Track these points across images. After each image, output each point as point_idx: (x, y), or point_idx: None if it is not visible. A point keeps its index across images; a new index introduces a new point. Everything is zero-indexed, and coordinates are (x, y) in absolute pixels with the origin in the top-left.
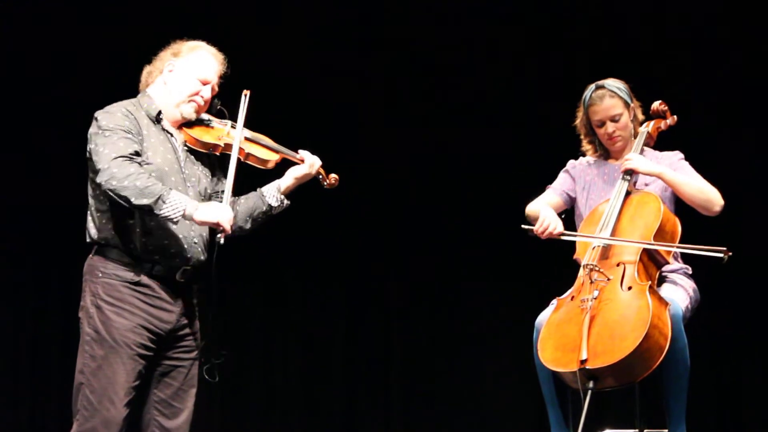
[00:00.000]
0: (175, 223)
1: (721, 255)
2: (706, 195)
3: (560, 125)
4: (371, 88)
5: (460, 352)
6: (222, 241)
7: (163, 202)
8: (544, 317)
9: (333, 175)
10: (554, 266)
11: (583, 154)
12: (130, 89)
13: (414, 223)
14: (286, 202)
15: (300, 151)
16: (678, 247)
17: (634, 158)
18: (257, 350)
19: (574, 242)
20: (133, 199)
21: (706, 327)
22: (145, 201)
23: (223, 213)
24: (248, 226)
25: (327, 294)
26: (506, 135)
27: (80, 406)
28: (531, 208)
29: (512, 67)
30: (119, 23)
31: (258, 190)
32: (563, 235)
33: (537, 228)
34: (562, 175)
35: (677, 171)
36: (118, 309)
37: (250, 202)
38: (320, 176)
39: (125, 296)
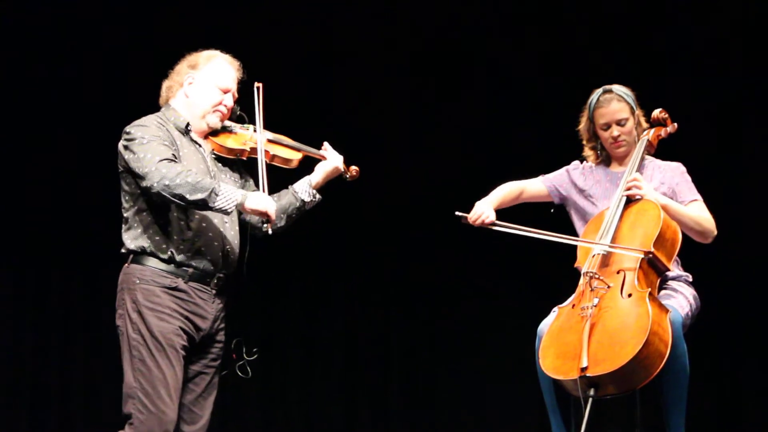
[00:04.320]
0: (228, 213)
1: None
2: (702, 227)
3: (567, 131)
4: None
5: (461, 360)
6: (270, 231)
7: (216, 194)
8: (545, 325)
9: (354, 167)
10: (556, 274)
11: (585, 160)
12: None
13: (415, 225)
14: (318, 196)
15: (324, 145)
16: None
17: (643, 186)
18: (257, 360)
19: (575, 248)
20: (188, 195)
21: (706, 334)
22: (199, 195)
23: (270, 202)
24: (283, 222)
25: (327, 298)
26: (508, 137)
27: (134, 410)
28: (496, 190)
29: (514, 71)
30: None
31: (289, 187)
32: (495, 225)
33: (470, 216)
34: (560, 171)
35: (678, 185)
36: (159, 313)
37: (283, 199)
38: (344, 170)
39: (165, 301)
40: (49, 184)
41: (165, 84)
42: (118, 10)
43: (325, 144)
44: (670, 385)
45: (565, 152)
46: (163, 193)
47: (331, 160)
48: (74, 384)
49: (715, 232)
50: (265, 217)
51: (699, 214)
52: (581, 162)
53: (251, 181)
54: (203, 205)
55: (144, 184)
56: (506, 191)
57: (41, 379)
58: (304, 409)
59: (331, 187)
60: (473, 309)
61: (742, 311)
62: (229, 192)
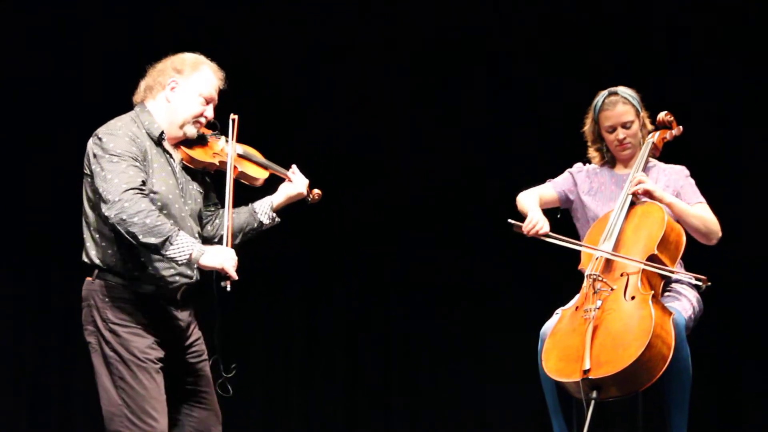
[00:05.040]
0: (179, 265)
1: (699, 284)
2: (708, 228)
3: (567, 131)
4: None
5: (462, 361)
6: (228, 288)
7: (171, 243)
8: (548, 327)
9: (316, 191)
10: (559, 276)
11: (589, 161)
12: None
13: (415, 225)
14: (277, 219)
15: (292, 168)
16: (661, 269)
17: (649, 184)
18: (258, 361)
19: (579, 252)
20: (140, 237)
21: (706, 335)
22: (152, 240)
23: (228, 258)
24: (238, 241)
25: (327, 298)
26: (508, 137)
27: (122, 428)
28: (523, 199)
29: (515, 76)
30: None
31: (250, 205)
32: (548, 236)
33: (525, 226)
34: (565, 175)
35: (683, 188)
36: (132, 329)
37: (241, 218)
38: (307, 194)
39: (136, 317)
40: (49, 184)
41: (144, 82)
42: (118, 10)
43: (293, 167)
44: (672, 388)
45: (566, 152)
46: (117, 227)
47: (296, 185)
48: (74, 384)
49: (720, 234)
50: (223, 273)
51: (704, 214)
52: (584, 164)
53: (213, 195)
54: (154, 250)
55: (103, 209)
56: (537, 200)
57: (41, 379)
58: (304, 409)
59: (331, 187)
60: (474, 310)
61: (742, 312)
62: (185, 244)
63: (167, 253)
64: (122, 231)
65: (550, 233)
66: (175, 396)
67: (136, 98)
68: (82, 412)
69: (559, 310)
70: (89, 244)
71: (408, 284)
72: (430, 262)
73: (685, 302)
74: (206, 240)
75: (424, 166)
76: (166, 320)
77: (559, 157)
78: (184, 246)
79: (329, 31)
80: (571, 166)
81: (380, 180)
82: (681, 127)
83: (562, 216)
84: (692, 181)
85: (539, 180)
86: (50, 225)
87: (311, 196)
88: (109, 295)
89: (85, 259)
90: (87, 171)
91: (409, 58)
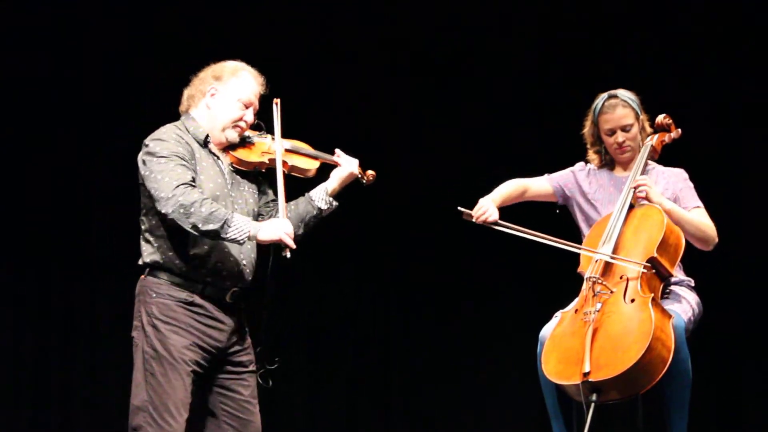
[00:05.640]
0: (241, 244)
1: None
2: (705, 234)
3: (567, 131)
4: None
5: (461, 363)
6: (288, 255)
7: (229, 225)
8: (548, 330)
9: (370, 172)
10: (558, 279)
11: (588, 162)
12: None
13: (415, 225)
14: (334, 203)
15: (336, 152)
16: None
17: (650, 189)
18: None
19: (578, 255)
20: (200, 226)
21: (706, 336)
22: (211, 226)
23: (284, 228)
24: (301, 231)
25: (327, 299)
26: (508, 137)
27: (143, 423)
28: (499, 187)
29: (516, 83)
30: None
31: (306, 195)
32: (497, 224)
33: (474, 212)
34: (566, 172)
35: (681, 191)
36: (173, 327)
37: (300, 207)
38: (360, 175)
39: (180, 315)
40: (49, 184)
41: (187, 92)
42: (118, 10)
43: (337, 150)
44: (672, 390)
45: (565, 152)
46: (177, 222)
47: (345, 166)
48: (74, 384)
49: (716, 240)
50: (281, 243)
51: (702, 220)
52: (586, 164)
53: (270, 192)
54: (215, 235)
55: (159, 207)
56: (510, 188)
57: (42, 379)
58: (304, 409)
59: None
60: (474, 310)
61: (742, 313)
62: (243, 223)
63: (228, 235)
64: (182, 224)
65: (500, 221)
66: (210, 401)
67: (181, 108)
68: (82, 412)
69: (558, 313)
70: (144, 247)
71: (408, 284)
72: (430, 262)
73: (684, 305)
74: None
75: (424, 166)
76: (211, 324)
77: (560, 157)
78: (242, 225)
79: (329, 31)
80: (572, 165)
81: (380, 180)
82: (680, 130)
83: (561, 213)
84: (691, 185)
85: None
86: (50, 225)
87: (365, 177)
88: (157, 292)
89: (140, 262)
90: (140, 180)
91: (409, 58)
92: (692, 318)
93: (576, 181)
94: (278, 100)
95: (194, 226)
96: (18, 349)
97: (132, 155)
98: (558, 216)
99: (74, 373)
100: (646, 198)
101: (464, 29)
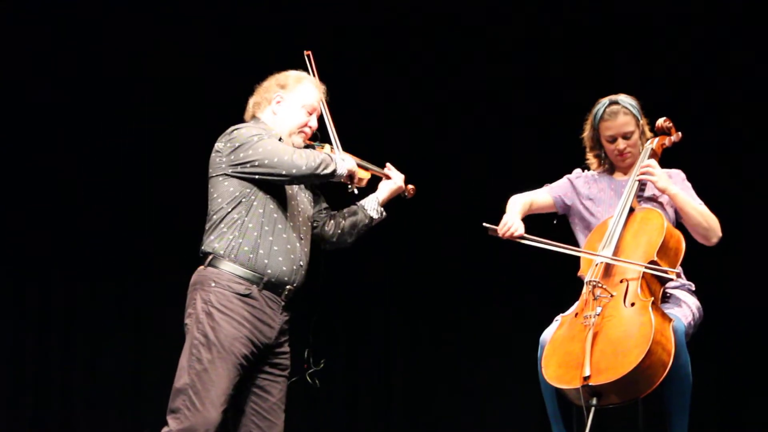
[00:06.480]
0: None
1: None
2: (709, 225)
3: (567, 132)
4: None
5: (463, 369)
6: (356, 191)
7: (333, 161)
8: (548, 334)
9: (411, 186)
10: (559, 283)
11: (587, 167)
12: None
13: (416, 226)
14: (384, 214)
15: (387, 165)
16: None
17: (656, 172)
18: None
19: (578, 259)
20: (327, 170)
21: (706, 337)
22: (330, 168)
23: (350, 163)
24: (352, 239)
25: (327, 303)
26: (507, 139)
27: (182, 405)
28: (509, 202)
29: (514, 71)
30: None
31: (357, 204)
32: (524, 238)
33: (500, 229)
34: (563, 180)
35: (682, 191)
36: (228, 318)
37: (353, 216)
38: (404, 189)
39: (236, 307)
40: (50, 184)
41: (252, 100)
42: (118, 10)
43: (388, 164)
44: (672, 394)
45: (565, 152)
46: (310, 179)
47: (395, 180)
48: (74, 384)
49: (720, 234)
50: (353, 174)
51: (707, 210)
52: (583, 170)
53: (322, 201)
54: (332, 173)
55: (284, 177)
56: (523, 203)
57: (42, 379)
58: (305, 409)
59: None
60: (474, 312)
61: (742, 315)
62: (333, 158)
63: (338, 170)
64: (316, 177)
65: (525, 235)
66: (241, 397)
67: (246, 116)
68: (82, 412)
69: (558, 317)
70: (213, 236)
71: (408, 285)
72: (430, 262)
73: (685, 309)
74: (324, 239)
75: (425, 166)
76: (264, 319)
77: (559, 158)
78: (336, 159)
79: (329, 31)
80: (570, 172)
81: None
82: (680, 133)
83: (558, 222)
84: (689, 185)
85: (539, 181)
86: (50, 225)
87: (407, 191)
88: (217, 281)
89: (204, 248)
90: (217, 171)
91: (409, 57)
92: (692, 322)
93: (574, 188)
94: (310, 52)
95: (331, 174)
96: (18, 349)
97: (132, 155)
98: (556, 223)
99: (74, 373)
100: (651, 181)
101: (464, 29)
